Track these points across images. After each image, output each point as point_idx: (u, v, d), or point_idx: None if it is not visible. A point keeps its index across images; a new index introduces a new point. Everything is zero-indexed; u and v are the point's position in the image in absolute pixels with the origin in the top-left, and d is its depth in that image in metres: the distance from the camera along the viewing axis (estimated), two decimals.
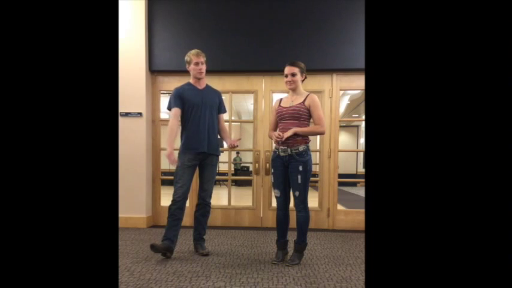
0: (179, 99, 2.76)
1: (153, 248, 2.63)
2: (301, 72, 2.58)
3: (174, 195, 2.73)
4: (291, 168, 2.55)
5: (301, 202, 2.55)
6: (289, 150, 2.53)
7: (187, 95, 2.76)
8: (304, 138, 2.54)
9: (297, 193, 2.55)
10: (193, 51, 2.77)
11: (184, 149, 2.76)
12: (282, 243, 2.67)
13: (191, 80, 2.84)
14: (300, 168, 2.51)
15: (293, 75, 2.55)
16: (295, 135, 2.51)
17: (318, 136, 4.10)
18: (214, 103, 2.82)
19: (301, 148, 2.52)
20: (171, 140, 2.71)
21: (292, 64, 2.57)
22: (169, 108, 2.78)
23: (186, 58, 2.79)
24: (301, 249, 2.62)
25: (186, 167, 2.73)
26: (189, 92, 2.78)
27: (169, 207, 2.73)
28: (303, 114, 2.54)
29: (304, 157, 2.52)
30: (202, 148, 2.74)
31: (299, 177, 2.51)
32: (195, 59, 2.74)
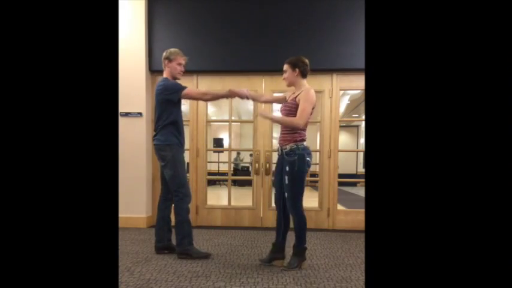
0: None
1: (199, 256, 2.68)
2: (293, 68, 2.45)
3: (187, 193, 2.69)
4: (282, 168, 2.46)
5: (292, 205, 2.41)
6: (280, 149, 2.48)
7: None
8: (292, 136, 2.42)
9: (286, 194, 2.43)
10: (178, 50, 2.72)
11: (181, 144, 2.73)
12: (274, 244, 2.58)
13: (169, 78, 2.73)
14: (287, 168, 2.39)
15: (284, 72, 2.49)
16: (285, 132, 2.44)
17: (318, 136, 4.11)
18: None
19: (289, 147, 2.41)
20: (216, 94, 2.77)
21: (286, 61, 2.50)
22: (178, 98, 2.64)
23: (168, 55, 2.70)
24: (298, 253, 2.48)
25: (184, 163, 2.76)
26: None
27: (187, 206, 2.67)
28: (294, 110, 2.41)
29: (291, 157, 2.39)
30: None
31: (286, 177, 2.40)
32: (181, 59, 2.71)
